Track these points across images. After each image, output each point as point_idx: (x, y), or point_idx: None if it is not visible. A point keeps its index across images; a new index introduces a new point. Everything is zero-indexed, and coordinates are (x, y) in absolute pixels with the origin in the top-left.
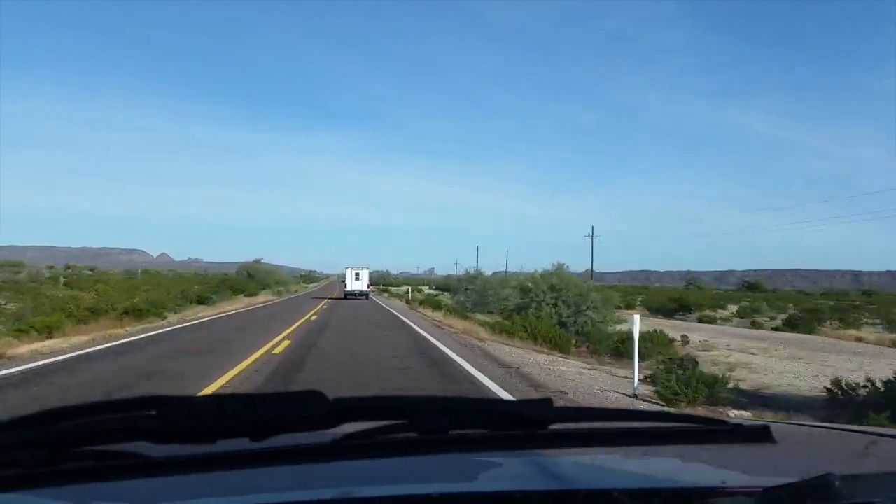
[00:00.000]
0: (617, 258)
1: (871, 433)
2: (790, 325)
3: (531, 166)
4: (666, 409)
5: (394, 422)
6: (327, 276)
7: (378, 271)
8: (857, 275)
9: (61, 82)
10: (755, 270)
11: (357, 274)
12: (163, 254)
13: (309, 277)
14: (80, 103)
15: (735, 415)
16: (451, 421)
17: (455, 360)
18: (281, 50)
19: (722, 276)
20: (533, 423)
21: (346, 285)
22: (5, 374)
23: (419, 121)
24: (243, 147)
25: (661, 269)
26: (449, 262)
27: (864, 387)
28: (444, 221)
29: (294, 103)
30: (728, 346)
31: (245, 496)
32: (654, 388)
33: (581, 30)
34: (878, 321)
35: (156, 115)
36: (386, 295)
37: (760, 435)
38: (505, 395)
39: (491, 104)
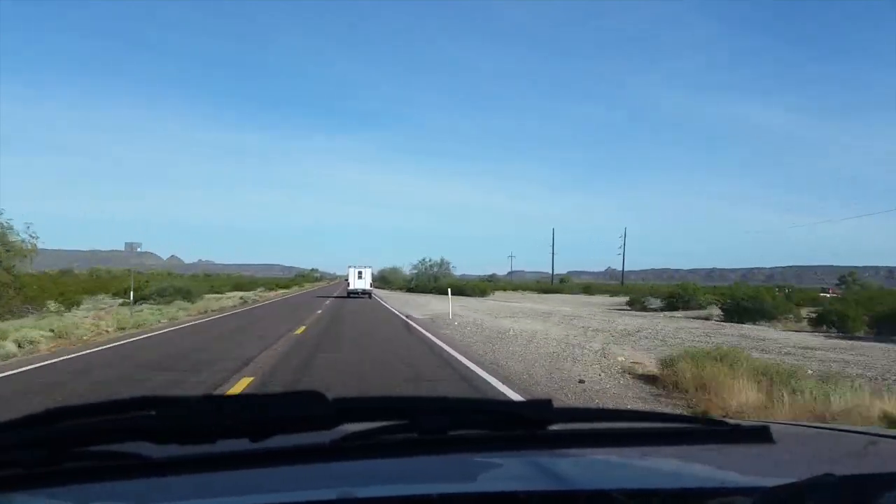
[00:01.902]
0: (638, 257)
1: (871, 433)
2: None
3: (543, 166)
4: (666, 410)
5: (394, 422)
6: (335, 276)
7: (429, 263)
8: (891, 271)
9: (68, 87)
10: (783, 267)
11: (360, 272)
12: (173, 256)
13: (309, 277)
14: (88, 108)
15: None
16: (452, 421)
17: None
18: (284, 51)
19: (748, 272)
20: (533, 423)
21: (349, 284)
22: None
23: (442, 124)
24: (252, 150)
25: (686, 268)
26: (470, 261)
27: None
28: (446, 222)
29: (312, 105)
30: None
31: (245, 497)
32: None
33: (583, 29)
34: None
35: (162, 119)
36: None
37: (760, 435)
38: None
39: (512, 105)
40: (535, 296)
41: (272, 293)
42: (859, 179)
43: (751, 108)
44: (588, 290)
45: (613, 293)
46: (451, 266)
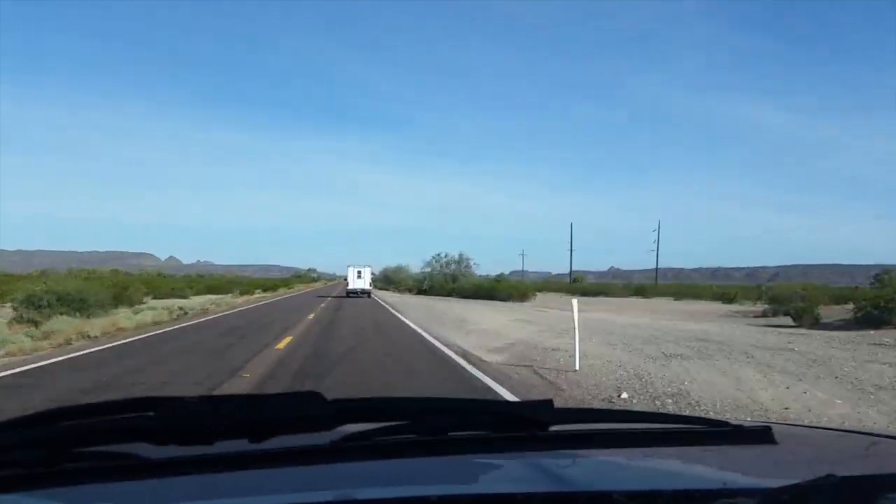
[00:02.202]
0: (640, 256)
1: (873, 434)
2: None
3: (543, 166)
4: (667, 411)
5: (394, 423)
6: (334, 277)
7: (445, 260)
8: None
9: (68, 87)
10: (788, 266)
11: (359, 272)
12: (171, 257)
13: (304, 278)
14: (88, 108)
15: None
16: (452, 422)
17: None
18: (284, 51)
19: (753, 271)
20: (534, 424)
21: (348, 283)
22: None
23: (442, 124)
24: (252, 150)
25: (690, 267)
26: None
27: None
28: (446, 222)
29: (312, 105)
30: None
31: (244, 498)
32: None
33: (584, 29)
34: None
35: (162, 119)
36: None
37: (762, 436)
38: None
39: (512, 104)
40: (574, 299)
41: (240, 299)
42: (859, 179)
43: (751, 107)
44: (641, 291)
45: (677, 296)
46: (472, 263)
